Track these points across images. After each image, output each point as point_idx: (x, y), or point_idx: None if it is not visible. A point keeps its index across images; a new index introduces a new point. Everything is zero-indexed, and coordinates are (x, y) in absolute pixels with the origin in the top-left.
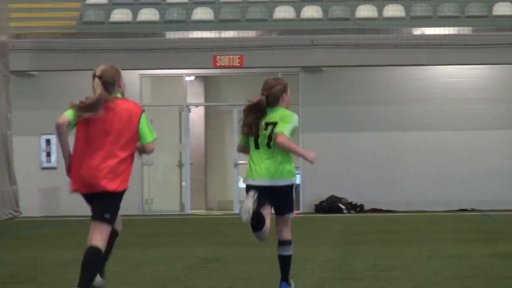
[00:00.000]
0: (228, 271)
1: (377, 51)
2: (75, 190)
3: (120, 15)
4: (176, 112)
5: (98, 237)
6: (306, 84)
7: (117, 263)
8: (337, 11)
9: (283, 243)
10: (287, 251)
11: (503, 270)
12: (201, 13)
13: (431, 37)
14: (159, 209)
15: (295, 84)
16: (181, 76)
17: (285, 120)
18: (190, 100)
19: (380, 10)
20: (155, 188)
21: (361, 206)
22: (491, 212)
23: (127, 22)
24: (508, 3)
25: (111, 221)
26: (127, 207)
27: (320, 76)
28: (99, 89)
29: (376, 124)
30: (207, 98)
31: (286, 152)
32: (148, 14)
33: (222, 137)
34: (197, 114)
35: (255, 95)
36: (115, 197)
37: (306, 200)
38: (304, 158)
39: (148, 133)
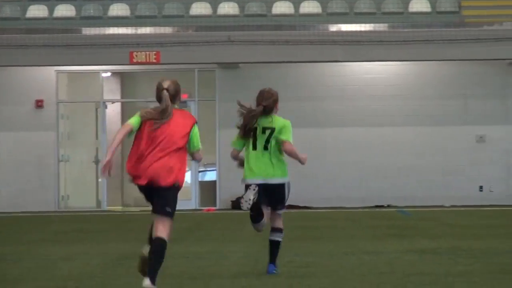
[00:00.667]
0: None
1: (293, 48)
2: (140, 185)
3: (36, 11)
4: (92, 108)
5: (162, 229)
6: (222, 81)
7: (34, 260)
8: (253, 7)
9: (275, 230)
10: (278, 237)
11: (419, 266)
12: (118, 9)
13: (348, 33)
14: (75, 206)
15: (211, 80)
16: (97, 72)
17: (287, 129)
18: (106, 96)
19: (296, 7)
20: (71, 184)
21: None
22: (407, 208)
23: (43, 18)
24: (424, 0)
25: (171, 215)
26: (43, 203)
27: (236, 73)
28: (167, 101)
29: (292, 120)
30: (123, 94)
31: (280, 153)
32: (64, 10)
33: None
34: (113, 111)
35: (247, 101)
36: (173, 192)
37: (223, 196)
38: (301, 161)
39: (196, 142)
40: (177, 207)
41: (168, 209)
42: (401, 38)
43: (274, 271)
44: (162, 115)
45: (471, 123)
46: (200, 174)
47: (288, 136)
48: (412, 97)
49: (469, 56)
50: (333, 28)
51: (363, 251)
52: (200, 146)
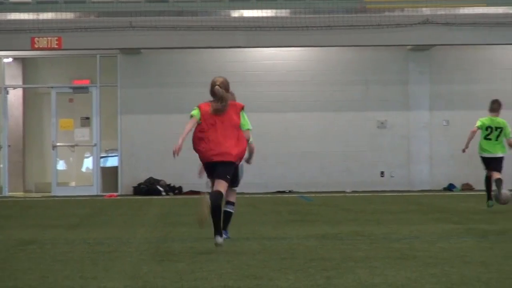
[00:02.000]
0: (46, 253)
1: (195, 33)
2: (208, 161)
3: None
4: None
5: (220, 187)
6: (124, 66)
7: None
8: None
9: (229, 203)
10: (231, 209)
11: (319, 251)
12: None
13: (249, 19)
14: None
15: (113, 66)
16: None
17: (246, 120)
18: (8, 82)
19: None
20: None
21: (180, 188)
22: (308, 194)
23: None
24: None
25: (228, 180)
26: None
27: (138, 58)
28: (224, 94)
29: (194, 106)
30: (25, 80)
31: None
32: None
33: (40, 119)
34: (15, 96)
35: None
36: (233, 165)
37: (124, 182)
38: None
39: (246, 123)
40: (79, 193)
41: (228, 176)
42: (302, 24)
43: (227, 236)
44: (223, 108)
45: (372, 109)
46: (101, 159)
47: (248, 126)
48: (314, 83)
49: (370, 42)
50: (235, 13)
51: (265, 237)
52: (251, 127)
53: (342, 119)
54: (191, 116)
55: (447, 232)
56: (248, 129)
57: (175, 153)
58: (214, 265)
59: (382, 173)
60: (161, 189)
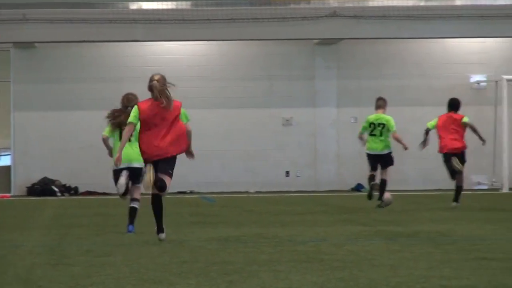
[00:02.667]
0: None
1: (92, 26)
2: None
3: None
4: None
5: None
6: (18, 61)
7: None
8: None
9: (134, 199)
10: (136, 205)
11: (222, 255)
12: None
13: (148, 11)
14: None
15: (6, 60)
16: None
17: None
18: None
19: None
20: None
21: (76, 189)
22: (210, 195)
23: None
24: None
25: (171, 174)
26: None
27: (32, 52)
28: (164, 92)
29: (92, 102)
30: None
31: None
32: None
33: None
34: None
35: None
36: (174, 159)
37: (18, 182)
38: None
39: (185, 117)
40: None
41: (170, 170)
42: (204, 17)
43: (133, 231)
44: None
45: (277, 106)
46: None
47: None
48: (216, 78)
49: (275, 35)
50: (133, 6)
51: (165, 240)
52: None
53: (245, 117)
54: (129, 123)
55: (355, 234)
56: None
57: (117, 164)
58: (111, 269)
59: (287, 172)
60: (56, 189)
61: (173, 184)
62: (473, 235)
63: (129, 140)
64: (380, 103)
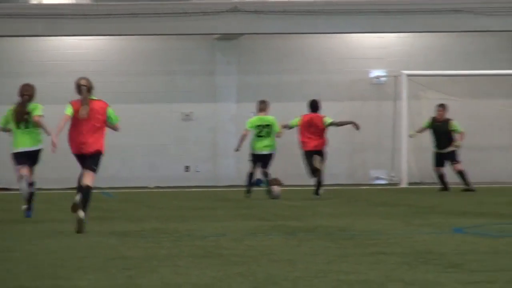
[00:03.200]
0: None
1: None
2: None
3: None
4: None
5: (88, 177)
6: None
7: None
8: None
9: (30, 184)
10: (32, 190)
11: (121, 250)
12: None
13: (49, 6)
14: None
15: None
16: None
17: (38, 108)
18: None
19: None
20: None
21: None
22: (109, 189)
23: None
24: None
25: (95, 170)
26: None
27: None
28: (85, 93)
29: None
30: None
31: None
32: None
33: None
34: None
35: None
36: (99, 155)
37: None
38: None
39: (114, 118)
40: None
41: (94, 167)
42: (105, 12)
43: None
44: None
45: (177, 101)
46: None
47: (39, 112)
48: (116, 73)
49: (175, 30)
50: (34, 0)
51: (63, 234)
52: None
53: (145, 112)
54: (65, 114)
55: (254, 229)
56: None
57: (54, 148)
58: (8, 264)
59: (187, 167)
60: None
61: (73, 178)
62: (371, 230)
63: (26, 127)
64: (263, 106)
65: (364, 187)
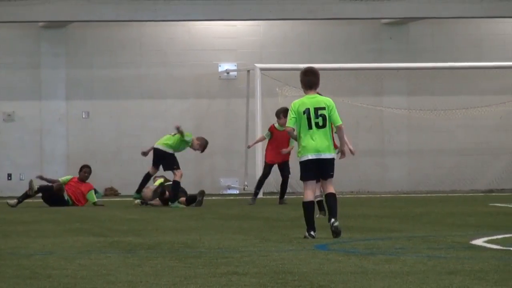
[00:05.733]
0: None
1: None
2: None
3: None
4: None
5: None
6: None
7: None
8: None
9: None
10: None
11: None
12: None
13: None
14: None
15: None
16: None
17: None
18: None
19: None
20: None
21: None
22: None
23: None
24: None
25: None
26: None
27: None
28: None
29: None
30: None
31: None
32: None
33: None
34: None
35: None
36: None
37: None
38: None
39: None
40: None
41: None
42: None
43: None
44: None
45: None
46: None
47: None
48: None
49: None
50: None
51: None
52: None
53: None
54: None
55: (87, 246)
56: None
57: None
58: None
59: (9, 175)
60: None
61: None
62: (222, 247)
63: None
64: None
65: (214, 198)
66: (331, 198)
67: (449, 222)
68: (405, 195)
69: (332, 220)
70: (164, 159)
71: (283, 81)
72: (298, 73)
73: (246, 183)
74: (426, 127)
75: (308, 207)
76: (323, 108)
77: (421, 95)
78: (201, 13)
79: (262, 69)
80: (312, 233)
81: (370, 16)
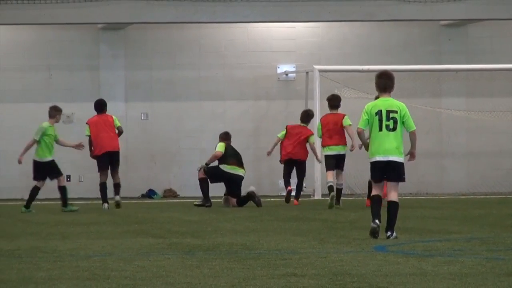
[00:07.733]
0: None
1: None
2: None
3: None
4: None
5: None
6: None
7: None
8: None
9: None
10: None
11: None
12: None
13: None
14: None
15: None
16: None
17: None
18: None
19: None
20: None
21: None
22: None
23: None
24: None
25: None
26: None
27: None
28: None
29: None
30: None
31: None
32: None
33: None
34: None
35: None
36: None
37: None
38: None
39: None
40: None
41: None
42: None
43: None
44: None
45: (56, 100)
46: None
47: None
48: None
49: (53, 19)
50: None
51: None
52: None
53: (20, 112)
54: None
55: (146, 248)
56: None
57: None
58: None
59: (68, 177)
60: None
61: None
62: (281, 248)
63: None
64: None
65: (272, 199)
66: (391, 206)
67: (508, 223)
68: (464, 196)
69: (389, 233)
70: None
71: (341, 82)
72: (357, 74)
73: (305, 184)
74: (485, 128)
75: (374, 200)
76: (395, 112)
77: (479, 97)
78: (260, 15)
79: (320, 71)
80: (376, 221)
81: (429, 18)
